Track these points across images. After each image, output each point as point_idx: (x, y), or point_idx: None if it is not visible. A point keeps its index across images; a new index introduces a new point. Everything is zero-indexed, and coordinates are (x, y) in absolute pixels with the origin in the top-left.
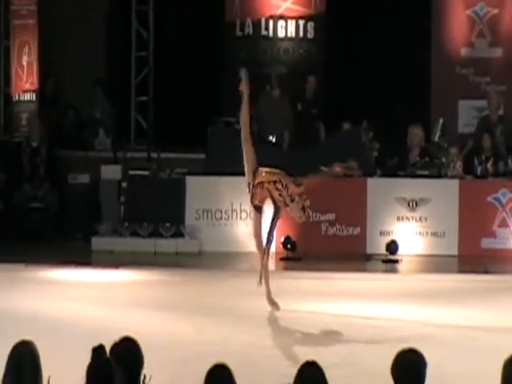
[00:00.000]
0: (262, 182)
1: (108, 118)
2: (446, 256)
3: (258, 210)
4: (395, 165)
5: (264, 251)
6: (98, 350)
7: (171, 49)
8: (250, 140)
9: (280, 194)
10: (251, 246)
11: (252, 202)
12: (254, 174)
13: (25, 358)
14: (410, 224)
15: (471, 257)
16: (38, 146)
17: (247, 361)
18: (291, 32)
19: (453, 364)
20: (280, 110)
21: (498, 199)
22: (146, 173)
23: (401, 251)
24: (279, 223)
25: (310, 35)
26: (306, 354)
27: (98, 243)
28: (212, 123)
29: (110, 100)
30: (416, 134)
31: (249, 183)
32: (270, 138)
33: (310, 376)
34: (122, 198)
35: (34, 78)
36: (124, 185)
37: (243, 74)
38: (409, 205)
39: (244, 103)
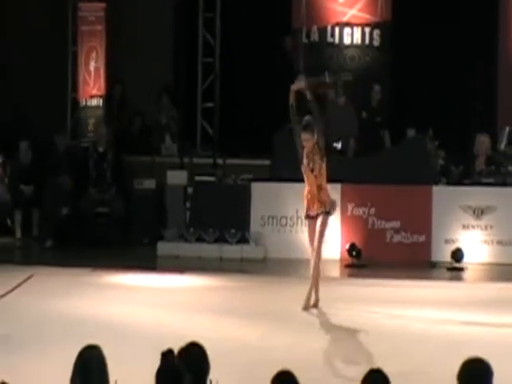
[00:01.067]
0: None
1: (174, 124)
2: (511, 264)
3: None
4: (461, 173)
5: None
6: (167, 355)
7: (237, 55)
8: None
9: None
10: None
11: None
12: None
13: (92, 363)
14: (476, 232)
15: None
16: (104, 151)
17: (311, 367)
18: (357, 39)
19: None
20: (345, 118)
21: None
22: (211, 179)
23: (466, 259)
24: (344, 230)
25: (376, 43)
26: (370, 361)
27: (163, 248)
28: (277, 130)
29: (177, 106)
30: (483, 142)
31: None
32: (335, 145)
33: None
34: (188, 204)
35: (101, 83)
36: (190, 190)
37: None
38: (474, 213)
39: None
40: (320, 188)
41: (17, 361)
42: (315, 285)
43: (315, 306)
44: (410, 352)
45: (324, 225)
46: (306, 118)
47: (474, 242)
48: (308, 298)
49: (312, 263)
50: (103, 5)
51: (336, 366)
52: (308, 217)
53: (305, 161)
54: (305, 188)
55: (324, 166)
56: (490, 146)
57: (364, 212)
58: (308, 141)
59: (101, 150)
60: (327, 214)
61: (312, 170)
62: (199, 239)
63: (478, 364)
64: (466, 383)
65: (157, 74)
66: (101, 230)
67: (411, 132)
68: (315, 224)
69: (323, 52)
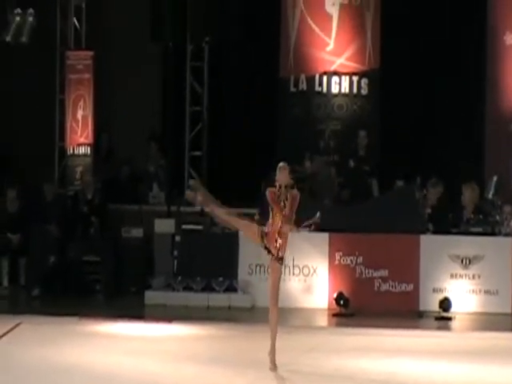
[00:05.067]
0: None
1: (162, 172)
2: (499, 314)
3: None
4: (450, 222)
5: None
6: None
7: (225, 104)
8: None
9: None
10: (304, 302)
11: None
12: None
13: None
14: (464, 281)
15: None
16: (92, 199)
17: None
18: (345, 88)
19: None
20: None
21: None
22: (199, 227)
23: (454, 309)
24: (331, 278)
25: (364, 91)
26: None
27: (151, 297)
28: (266, 178)
29: (164, 154)
30: (470, 191)
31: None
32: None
33: None
34: (176, 252)
35: (89, 131)
36: (177, 239)
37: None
38: (462, 262)
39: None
40: (280, 234)
41: None
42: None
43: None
44: None
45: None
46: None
47: (462, 292)
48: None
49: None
50: (91, 53)
51: None
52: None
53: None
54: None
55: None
56: (478, 195)
57: (352, 261)
58: (284, 176)
59: (89, 197)
60: (280, 260)
61: (281, 210)
62: (187, 288)
63: None
64: None
65: (144, 123)
66: (88, 278)
67: (400, 183)
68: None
69: (311, 101)
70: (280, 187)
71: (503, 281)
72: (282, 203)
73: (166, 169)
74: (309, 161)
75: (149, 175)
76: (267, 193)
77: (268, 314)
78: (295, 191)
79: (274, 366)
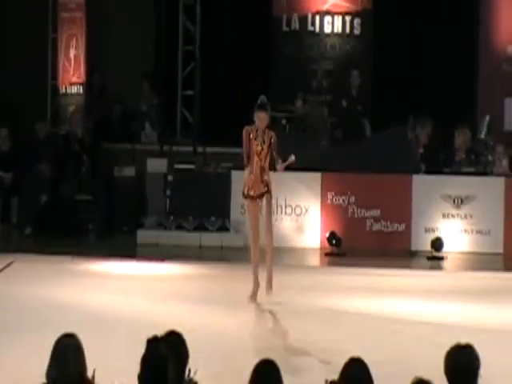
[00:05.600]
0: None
1: (154, 112)
2: (491, 254)
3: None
4: (442, 162)
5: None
6: (153, 342)
7: (218, 43)
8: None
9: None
10: (296, 242)
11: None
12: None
13: (69, 351)
14: (455, 221)
15: None
16: (82, 138)
17: (291, 356)
18: (338, 28)
19: (500, 361)
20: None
21: None
22: (191, 167)
23: (446, 248)
24: (324, 218)
25: (357, 31)
26: (350, 350)
27: (143, 236)
28: None
29: (157, 93)
30: (463, 135)
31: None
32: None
33: (356, 372)
34: (168, 192)
35: (81, 70)
36: (170, 178)
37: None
38: (454, 202)
39: None
40: (263, 169)
41: None
42: (271, 272)
43: (269, 292)
44: (390, 341)
45: (271, 205)
46: (262, 96)
47: (454, 231)
48: (257, 289)
49: (267, 249)
50: None
51: (316, 355)
52: (248, 196)
53: (254, 141)
54: (246, 169)
55: (269, 154)
56: (470, 138)
57: (344, 201)
58: (263, 120)
59: (79, 137)
60: (270, 194)
61: (259, 153)
62: (179, 227)
63: (465, 357)
64: (455, 370)
65: (137, 62)
66: (80, 217)
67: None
68: (257, 206)
69: (304, 40)
70: (257, 129)
71: (495, 221)
72: (260, 146)
73: (158, 108)
74: (300, 100)
75: (141, 114)
76: (243, 132)
77: (262, 254)
78: (272, 132)
79: (252, 299)
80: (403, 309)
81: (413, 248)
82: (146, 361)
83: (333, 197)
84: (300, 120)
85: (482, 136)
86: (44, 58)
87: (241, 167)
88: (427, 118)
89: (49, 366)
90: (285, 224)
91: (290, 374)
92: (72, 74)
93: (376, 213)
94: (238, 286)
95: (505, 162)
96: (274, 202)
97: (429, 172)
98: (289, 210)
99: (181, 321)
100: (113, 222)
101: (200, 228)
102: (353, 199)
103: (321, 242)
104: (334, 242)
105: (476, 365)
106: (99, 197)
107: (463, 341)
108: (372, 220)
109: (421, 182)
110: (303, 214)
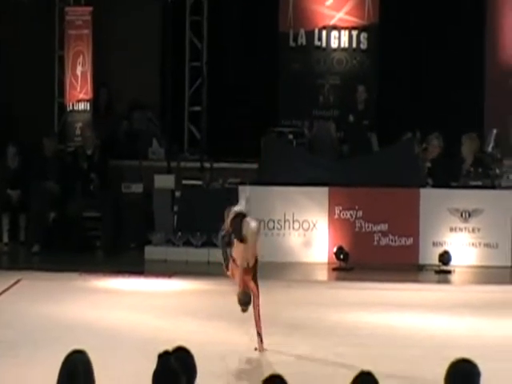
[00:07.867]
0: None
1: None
2: (498, 267)
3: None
4: (449, 175)
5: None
6: (164, 357)
7: (225, 59)
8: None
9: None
10: (304, 257)
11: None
12: None
13: (78, 368)
14: (463, 235)
15: None
16: (91, 155)
17: (300, 370)
18: (344, 42)
19: (505, 376)
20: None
21: None
22: (199, 182)
23: (453, 262)
24: (331, 233)
25: (364, 46)
26: (359, 363)
27: (151, 252)
28: (265, 133)
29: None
30: (470, 142)
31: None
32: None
33: None
34: (176, 208)
35: (88, 87)
36: (177, 194)
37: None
38: (462, 215)
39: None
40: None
41: (4, 365)
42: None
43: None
44: (398, 354)
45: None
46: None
47: (462, 245)
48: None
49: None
50: (90, 8)
51: (325, 369)
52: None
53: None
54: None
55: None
56: (478, 146)
57: (351, 215)
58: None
59: (88, 153)
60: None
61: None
62: (187, 243)
63: (465, 364)
64: (454, 374)
65: (144, 79)
66: (88, 234)
67: (404, 137)
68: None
69: (311, 55)
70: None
71: (503, 234)
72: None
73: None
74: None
75: (148, 131)
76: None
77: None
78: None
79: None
80: (411, 323)
81: (421, 262)
82: (158, 375)
83: (340, 211)
84: (309, 144)
85: (490, 149)
86: (51, 75)
87: (248, 183)
88: (439, 133)
89: (58, 382)
90: (292, 239)
91: None
92: (79, 90)
93: (384, 227)
94: None
95: None
96: (281, 217)
97: (436, 186)
98: (296, 225)
99: (189, 336)
100: (121, 239)
101: (208, 244)
102: (360, 213)
103: (328, 257)
104: (341, 256)
105: (475, 370)
106: (107, 214)
107: (471, 355)
108: (380, 234)
109: (428, 196)
110: (311, 229)
